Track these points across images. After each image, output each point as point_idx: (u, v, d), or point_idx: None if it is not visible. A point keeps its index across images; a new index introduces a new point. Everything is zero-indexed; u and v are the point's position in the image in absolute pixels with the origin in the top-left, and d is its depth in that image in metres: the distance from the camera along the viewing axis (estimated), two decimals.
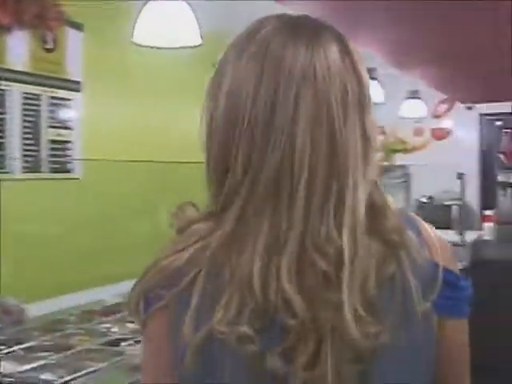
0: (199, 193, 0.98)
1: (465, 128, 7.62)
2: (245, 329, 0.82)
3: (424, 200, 7.43)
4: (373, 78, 4.92)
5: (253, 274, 0.83)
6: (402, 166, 7.05)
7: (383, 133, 7.90)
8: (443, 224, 7.47)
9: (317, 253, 0.84)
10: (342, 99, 0.88)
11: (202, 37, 2.54)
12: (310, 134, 0.85)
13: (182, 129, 3.71)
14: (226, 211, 0.88)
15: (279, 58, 0.87)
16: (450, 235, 5.44)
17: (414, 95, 6.55)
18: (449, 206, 7.40)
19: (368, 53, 4.71)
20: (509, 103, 7.07)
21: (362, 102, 0.91)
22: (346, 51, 0.91)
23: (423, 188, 7.26)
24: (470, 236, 5.54)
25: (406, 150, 7.82)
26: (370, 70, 4.98)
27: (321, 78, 0.87)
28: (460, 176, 5.01)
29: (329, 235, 0.84)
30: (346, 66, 0.89)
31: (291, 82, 0.86)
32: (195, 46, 2.62)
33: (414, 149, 7.80)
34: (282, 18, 0.92)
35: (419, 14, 3.70)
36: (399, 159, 7.32)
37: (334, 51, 0.89)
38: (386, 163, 7.63)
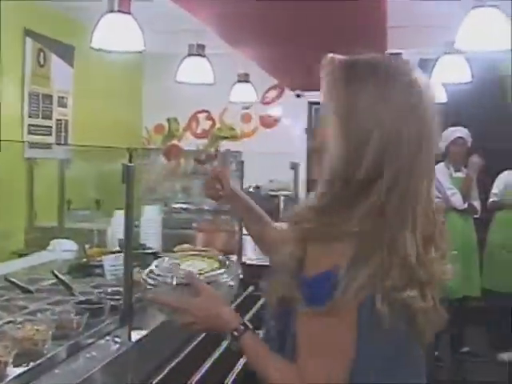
0: None
1: (294, 116, 7.37)
2: None
3: (251, 190, 7.11)
4: (201, 56, 4.44)
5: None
6: (235, 154, 6.70)
7: (210, 118, 7.51)
8: (271, 215, 7.25)
9: None
10: None
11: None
12: None
13: None
14: None
15: None
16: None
17: (244, 79, 6.16)
18: (276, 197, 7.15)
19: (200, 28, 4.25)
20: None
21: None
22: None
23: (257, 177, 6.96)
24: None
25: (234, 137, 7.46)
26: (199, 47, 4.50)
27: None
28: (294, 166, 4.68)
29: None
30: None
31: None
32: (139, 52, 3.40)
33: (242, 136, 7.45)
34: None
35: None
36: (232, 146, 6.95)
37: None
38: (212, 150, 7.27)
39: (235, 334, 1.38)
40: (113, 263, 2.81)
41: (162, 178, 7.07)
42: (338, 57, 1.36)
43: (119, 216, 3.59)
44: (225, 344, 2.59)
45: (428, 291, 1.25)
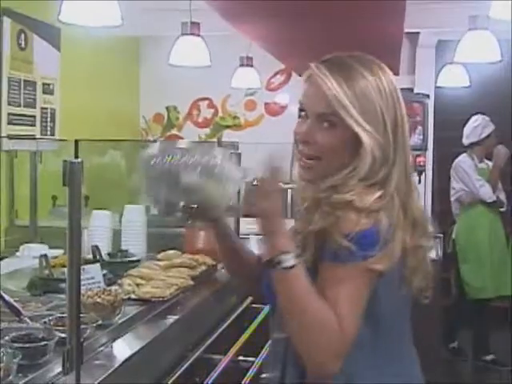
0: None
1: None
2: None
3: (255, 183, 6.64)
4: (195, 35, 3.95)
5: None
6: (233, 144, 6.23)
7: (212, 106, 7.04)
8: None
9: None
10: None
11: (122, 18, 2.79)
12: None
13: None
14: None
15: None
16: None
17: (246, 63, 5.68)
18: (285, 190, 6.67)
19: (199, 7, 3.78)
20: None
21: None
22: None
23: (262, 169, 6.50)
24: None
25: (237, 126, 6.99)
26: (193, 25, 4.01)
27: None
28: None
29: None
30: None
31: None
32: (116, 26, 2.89)
33: (246, 125, 6.98)
34: None
35: None
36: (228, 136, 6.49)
37: None
38: (215, 140, 6.81)
39: (288, 254, 1.33)
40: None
41: None
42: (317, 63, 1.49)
43: (98, 217, 3.13)
44: None
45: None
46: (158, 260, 2.81)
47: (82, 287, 2.27)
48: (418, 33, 5.92)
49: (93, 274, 2.34)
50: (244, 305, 2.95)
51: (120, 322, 2.01)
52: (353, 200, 1.37)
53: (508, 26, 2.96)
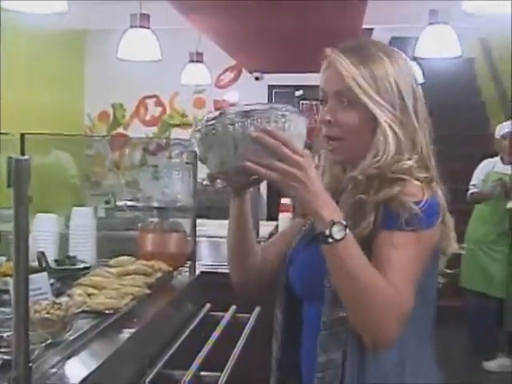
0: None
1: (252, 101, 6.72)
2: None
3: (205, 182, 6.46)
4: (145, 27, 3.75)
5: None
6: (186, 144, 6.05)
7: (160, 104, 6.82)
8: (221, 212, 6.59)
9: None
10: None
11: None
12: None
13: None
14: None
15: None
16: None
17: (196, 58, 5.49)
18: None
19: None
20: (306, 74, 6.30)
21: None
22: None
23: (204, 170, 6.33)
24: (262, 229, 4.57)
25: (186, 125, 6.80)
26: (143, 17, 3.81)
27: None
28: None
29: None
30: None
31: None
32: (61, 13, 2.81)
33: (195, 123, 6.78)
34: None
35: None
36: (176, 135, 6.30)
37: None
38: (163, 139, 6.60)
39: (340, 225, 1.28)
40: None
41: (107, 171, 6.39)
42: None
43: (43, 220, 2.90)
44: None
45: None
46: (110, 267, 2.61)
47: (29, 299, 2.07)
48: (371, 29, 5.83)
49: (40, 285, 2.12)
50: (202, 313, 2.76)
51: (71, 338, 1.80)
52: (413, 167, 1.42)
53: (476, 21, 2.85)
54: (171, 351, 2.27)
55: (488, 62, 7.98)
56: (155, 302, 2.34)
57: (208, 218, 5.61)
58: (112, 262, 2.67)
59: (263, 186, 5.89)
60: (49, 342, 1.65)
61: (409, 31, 5.11)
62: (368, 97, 1.43)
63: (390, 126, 1.43)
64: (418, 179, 1.40)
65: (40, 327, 1.72)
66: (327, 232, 1.27)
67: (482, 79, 8.20)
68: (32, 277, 2.13)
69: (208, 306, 2.86)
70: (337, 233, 1.28)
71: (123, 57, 3.88)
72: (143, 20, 3.78)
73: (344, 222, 1.28)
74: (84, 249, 2.85)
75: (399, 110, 1.44)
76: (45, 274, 2.17)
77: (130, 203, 5.09)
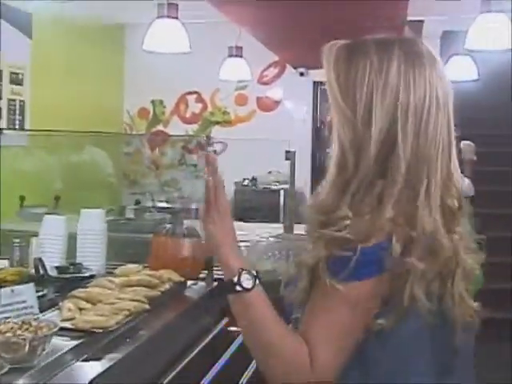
0: None
1: (296, 98, 6.43)
2: None
3: (246, 183, 6.22)
4: (172, 17, 3.51)
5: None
6: (221, 142, 5.83)
7: (201, 100, 6.59)
8: (270, 213, 6.38)
9: None
10: None
11: None
12: None
13: None
14: None
15: None
16: (277, 229, 4.20)
17: (236, 53, 5.24)
18: (276, 192, 6.23)
19: None
20: None
21: None
22: None
23: (253, 168, 6.12)
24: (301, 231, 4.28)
25: (227, 122, 6.56)
26: (170, 7, 3.57)
27: None
28: (289, 155, 3.75)
29: None
30: None
31: None
32: None
33: (236, 121, 6.54)
34: None
35: None
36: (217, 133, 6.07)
37: None
38: (204, 137, 6.39)
39: (249, 274, 1.26)
40: (7, 301, 1.90)
41: (145, 170, 6.22)
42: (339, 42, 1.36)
43: (49, 223, 2.68)
44: None
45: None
46: (116, 276, 2.37)
47: (10, 313, 1.85)
48: (422, 21, 5.47)
49: (25, 297, 1.90)
50: (217, 329, 2.50)
51: (43, 364, 1.56)
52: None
53: None
54: (173, 373, 2.02)
55: None
56: (154, 319, 2.08)
57: (246, 221, 5.39)
58: (117, 270, 2.43)
59: None
60: (7, 369, 1.41)
61: (461, 24, 4.76)
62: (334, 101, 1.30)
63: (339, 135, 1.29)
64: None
65: (4, 351, 1.49)
66: (235, 280, 1.24)
67: None
68: (17, 288, 1.92)
69: (225, 320, 2.60)
70: (245, 281, 1.25)
71: (149, 48, 3.65)
72: (171, 10, 3.55)
73: (254, 272, 1.26)
74: (92, 255, 2.62)
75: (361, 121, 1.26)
76: (31, 284, 1.94)
77: (161, 204, 4.89)
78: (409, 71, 1.27)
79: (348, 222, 1.21)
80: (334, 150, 1.30)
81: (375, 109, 1.24)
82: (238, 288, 1.24)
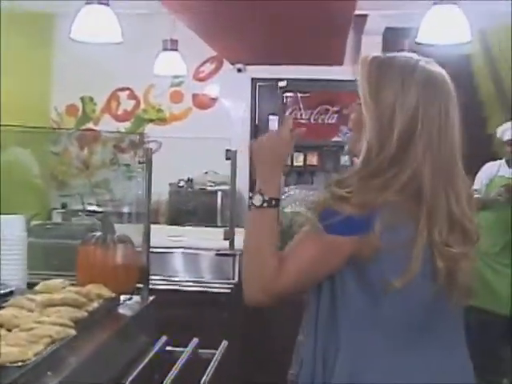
0: None
1: (234, 95, 6.19)
2: None
3: (181, 184, 5.94)
4: (103, 3, 3.20)
5: None
6: (155, 141, 5.54)
7: (133, 97, 6.28)
8: (207, 216, 6.14)
9: None
10: None
11: None
12: None
13: None
14: None
15: None
16: (215, 234, 3.94)
17: (170, 46, 4.95)
18: (213, 193, 5.98)
19: None
20: (292, 67, 5.79)
21: None
22: None
23: (179, 169, 5.88)
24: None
25: (162, 120, 6.28)
26: None
27: None
28: (230, 154, 3.49)
29: None
30: None
31: None
32: None
33: (171, 119, 6.27)
34: None
35: None
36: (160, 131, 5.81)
37: None
38: (136, 135, 6.09)
39: (266, 198, 1.50)
40: None
41: (75, 170, 5.88)
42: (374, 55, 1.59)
43: None
44: None
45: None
46: (37, 293, 2.07)
47: None
48: (365, 16, 5.30)
49: None
50: (154, 349, 2.23)
51: None
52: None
53: None
54: None
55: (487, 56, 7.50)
56: (84, 344, 1.79)
57: (182, 224, 5.12)
58: (39, 286, 2.13)
59: None
60: None
61: (404, 21, 4.62)
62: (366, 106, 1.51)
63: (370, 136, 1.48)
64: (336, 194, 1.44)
65: None
66: (250, 195, 1.57)
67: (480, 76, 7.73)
68: None
69: (164, 339, 2.33)
70: (256, 200, 1.50)
71: (77, 37, 3.33)
72: None
73: (266, 197, 1.50)
74: (10, 268, 2.31)
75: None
76: None
77: (90, 207, 4.57)
78: (427, 93, 1.49)
79: (354, 188, 1.40)
80: (363, 146, 1.48)
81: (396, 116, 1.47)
82: (249, 202, 1.55)
